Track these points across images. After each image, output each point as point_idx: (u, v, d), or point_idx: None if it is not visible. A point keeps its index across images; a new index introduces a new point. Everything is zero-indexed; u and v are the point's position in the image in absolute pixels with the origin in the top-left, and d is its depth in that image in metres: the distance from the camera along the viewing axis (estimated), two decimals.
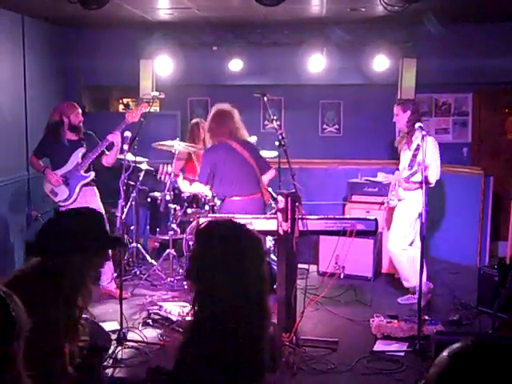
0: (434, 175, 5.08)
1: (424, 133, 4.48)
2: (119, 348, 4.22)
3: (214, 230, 1.94)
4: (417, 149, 5.02)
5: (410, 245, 5.28)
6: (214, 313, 1.81)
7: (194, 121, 6.72)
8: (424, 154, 4.44)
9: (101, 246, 2.58)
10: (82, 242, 2.45)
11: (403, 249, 5.28)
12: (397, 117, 5.38)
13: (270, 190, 5.37)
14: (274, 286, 4.54)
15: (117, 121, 5.38)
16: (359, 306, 5.37)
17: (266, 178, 5.15)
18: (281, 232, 4.31)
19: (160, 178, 5.80)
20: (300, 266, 4.91)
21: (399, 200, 5.30)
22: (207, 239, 1.92)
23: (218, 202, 5.44)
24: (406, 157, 5.26)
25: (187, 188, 5.53)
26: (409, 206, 5.22)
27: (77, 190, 5.36)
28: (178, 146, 5.91)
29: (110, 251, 2.84)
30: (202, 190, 5.33)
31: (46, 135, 5.45)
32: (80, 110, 5.43)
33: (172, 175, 5.73)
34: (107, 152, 5.40)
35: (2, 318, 1.41)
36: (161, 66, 7.00)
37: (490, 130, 7.53)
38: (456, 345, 1.16)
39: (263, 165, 5.15)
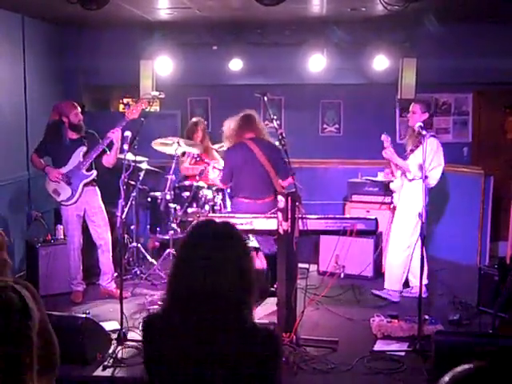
0: (435, 178, 5.09)
1: (424, 132, 4.48)
2: (119, 348, 4.22)
3: (195, 228, 2.00)
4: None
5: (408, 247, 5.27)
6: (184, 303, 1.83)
7: (193, 120, 6.72)
8: (424, 154, 4.45)
9: None
10: None
11: (403, 250, 5.29)
12: (413, 115, 5.29)
13: None
14: (275, 286, 4.56)
15: (117, 120, 5.37)
16: (360, 305, 5.38)
17: (285, 183, 5.13)
18: (281, 231, 4.31)
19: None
20: (300, 265, 4.91)
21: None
22: (189, 237, 1.97)
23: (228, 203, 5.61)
24: (416, 158, 5.16)
25: (215, 179, 5.55)
26: (410, 207, 5.22)
27: (79, 189, 5.36)
28: (176, 146, 5.93)
29: None
30: (221, 186, 5.52)
31: (46, 135, 5.46)
32: (79, 109, 5.42)
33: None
34: (108, 152, 5.40)
35: (20, 310, 1.47)
36: (161, 66, 7.01)
37: (490, 130, 7.54)
38: (458, 369, 1.16)
39: (282, 171, 5.08)
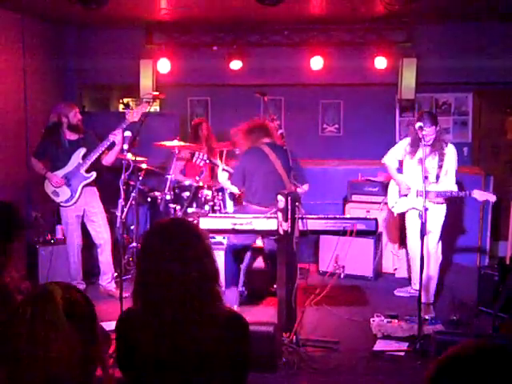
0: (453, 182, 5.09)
1: (425, 132, 4.48)
2: None
3: (157, 226, 2.09)
4: (441, 160, 5.02)
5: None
6: (149, 301, 1.93)
7: (197, 120, 6.71)
8: (424, 158, 4.46)
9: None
10: None
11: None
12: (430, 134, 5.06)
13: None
14: (275, 286, 4.56)
15: (117, 120, 5.37)
16: (360, 305, 5.37)
17: (300, 190, 4.98)
18: (281, 232, 4.31)
19: (196, 161, 5.76)
20: (300, 265, 4.90)
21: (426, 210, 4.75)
22: (151, 235, 2.05)
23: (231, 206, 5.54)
24: (431, 168, 5.07)
25: (224, 181, 5.38)
26: (440, 215, 5.18)
27: (79, 190, 5.35)
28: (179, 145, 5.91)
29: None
30: (233, 190, 5.34)
31: (44, 137, 5.44)
32: (78, 110, 5.41)
33: (206, 160, 5.69)
34: (107, 151, 5.40)
35: (88, 310, 1.60)
36: (161, 66, 7.00)
37: (490, 130, 7.53)
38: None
39: (300, 177, 5.00)
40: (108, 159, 5.42)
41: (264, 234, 4.81)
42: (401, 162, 5.41)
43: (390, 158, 5.42)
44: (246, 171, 5.05)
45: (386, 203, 6.28)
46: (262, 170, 4.99)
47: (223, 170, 5.40)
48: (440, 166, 5.04)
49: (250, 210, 4.98)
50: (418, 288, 5.07)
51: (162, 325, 1.89)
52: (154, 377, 1.89)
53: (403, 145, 5.34)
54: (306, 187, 5.08)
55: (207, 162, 5.74)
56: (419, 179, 4.89)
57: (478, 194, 4.92)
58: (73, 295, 1.56)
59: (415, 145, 5.10)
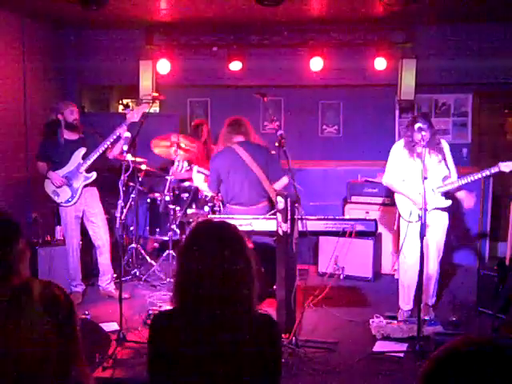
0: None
1: (424, 133, 4.47)
2: (119, 348, 4.22)
3: (201, 227, 2.04)
4: (439, 155, 4.90)
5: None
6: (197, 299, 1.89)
7: (197, 121, 6.71)
8: (423, 159, 4.44)
9: None
10: None
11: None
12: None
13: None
14: (274, 287, 4.55)
15: (117, 121, 5.36)
16: (359, 306, 5.37)
17: (277, 185, 4.93)
18: (280, 233, 4.31)
19: (177, 169, 5.75)
20: (299, 266, 4.90)
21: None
22: (195, 235, 2.01)
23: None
24: (433, 168, 4.88)
25: (200, 183, 5.27)
26: (444, 221, 4.98)
27: (79, 190, 5.34)
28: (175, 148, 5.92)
29: None
30: (209, 193, 5.25)
31: (44, 137, 5.44)
32: (75, 108, 5.38)
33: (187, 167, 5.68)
34: (111, 147, 5.36)
35: (68, 306, 1.60)
36: (161, 67, 7.01)
37: (490, 131, 7.53)
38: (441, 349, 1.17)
39: (274, 172, 4.94)
40: (114, 152, 5.37)
41: (263, 235, 4.80)
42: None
43: (391, 175, 4.99)
44: (220, 174, 4.94)
45: (385, 204, 6.27)
46: (236, 171, 4.88)
47: (198, 171, 5.23)
48: (440, 161, 4.93)
49: (231, 210, 4.92)
50: (406, 309, 4.93)
51: (201, 326, 1.86)
52: (188, 379, 1.86)
53: (398, 150, 4.99)
54: (284, 180, 4.94)
55: (188, 168, 5.73)
56: (429, 178, 4.73)
57: (505, 166, 4.76)
58: (52, 291, 1.55)
59: (411, 145, 4.95)
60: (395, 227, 5.18)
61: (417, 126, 4.60)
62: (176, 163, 5.91)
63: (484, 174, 4.79)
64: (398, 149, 4.95)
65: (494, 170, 4.75)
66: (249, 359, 1.86)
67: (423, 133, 4.55)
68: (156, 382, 1.93)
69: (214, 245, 1.92)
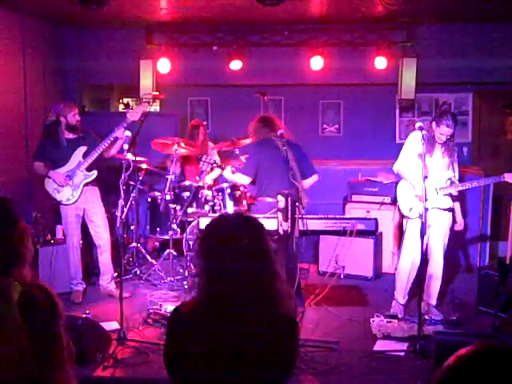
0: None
1: (424, 132, 4.47)
2: (119, 348, 4.22)
3: (228, 221, 2.01)
4: (451, 156, 4.83)
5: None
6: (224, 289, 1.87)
7: (193, 123, 6.68)
8: (423, 159, 4.44)
9: None
10: None
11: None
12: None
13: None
14: None
15: (117, 121, 5.36)
16: (360, 305, 5.37)
17: (307, 182, 5.00)
18: (281, 232, 4.31)
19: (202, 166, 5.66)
20: (300, 265, 4.90)
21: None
22: (222, 228, 1.99)
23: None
24: (442, 169, 4.89)
25: (229, 175, 5.30)
26: (448, 220, 4.98)
27: (80, 189, 5.34)
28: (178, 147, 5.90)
29: None
30: (243, 181, 5.22)
31: (43, 137, 5.43)
32: (77, 111, 5.40)
33: (214, 164, 5.61)
34: (109, 147, 5.38)
35: (49, 309, 1.55)
36: (161, 66, 7.01)
37: (490, 130, 7.54)
38: (461, 351, 1.15)
39: (306, 169, 5.01)
40: (111, 152, 5.41)
41: None
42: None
43: (402, 163, 4.95)
44: (260, 162, 5.03)
45: (384, 203, 6.28)
46: (275, 161, 4.94)
47: (235, 169, 5.25)
48: (451, 163, 4.92)
49: (265, 205, 4.92)
50: (401, 301, 4.96)
51: (225, 321, 1.84)
52: (208, 375, 1.82)
53: (415, 141, 4.83)
54: (315, 177, 5.12)
55: (214, 166, 5.70)
56: (436, 177, 4.79)
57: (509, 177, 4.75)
58: (33, 293, 1.50)
59: (431, 143, 4.79)
60: (394, 221, 5.23)
61: (417, 125, 4.60)
62: (203, 158, 5.70)
63: (489, 181, 5.03)
64: (416, 140, 4.81)
65: (499, 179, 4.82)
66: (267, 356, 1.84)
67: (448, 131, 4.57)
68: (175, 379, 1.91)
69: (234, 238, 1.90)
